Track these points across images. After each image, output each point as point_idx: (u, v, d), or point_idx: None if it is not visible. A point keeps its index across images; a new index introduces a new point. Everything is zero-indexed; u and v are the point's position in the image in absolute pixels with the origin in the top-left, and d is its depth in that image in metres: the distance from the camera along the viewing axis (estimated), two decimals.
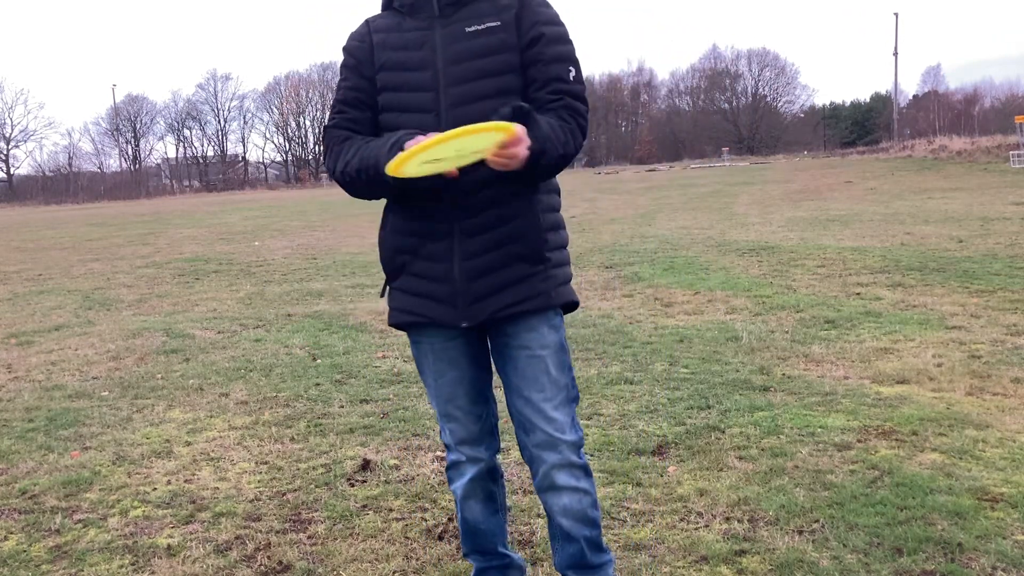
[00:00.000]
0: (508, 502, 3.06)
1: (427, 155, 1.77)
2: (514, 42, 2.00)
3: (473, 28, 2.00)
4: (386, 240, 2.14)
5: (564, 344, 2.13)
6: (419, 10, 2.04)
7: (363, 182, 1.99)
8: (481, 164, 1.88)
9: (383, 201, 2.15)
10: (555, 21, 2.04)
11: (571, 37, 2.07)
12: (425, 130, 1.91)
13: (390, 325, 2.19)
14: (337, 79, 2.18)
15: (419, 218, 2.06)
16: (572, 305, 2.15)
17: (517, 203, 2.02)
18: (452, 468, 2.28)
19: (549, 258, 2.07)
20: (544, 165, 1.91)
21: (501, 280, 2.03)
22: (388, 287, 2.17)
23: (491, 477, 2.28)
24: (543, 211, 2.07)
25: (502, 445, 2.37)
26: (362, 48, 2.10)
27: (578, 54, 2.08)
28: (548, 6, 2.06)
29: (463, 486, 2.25)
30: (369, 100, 2.09)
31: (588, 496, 2.16)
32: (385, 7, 2.13)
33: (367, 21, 2.14)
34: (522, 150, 1.80)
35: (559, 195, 2.17)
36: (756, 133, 72.65)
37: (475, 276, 2.02)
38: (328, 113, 2.16)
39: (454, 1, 2.02)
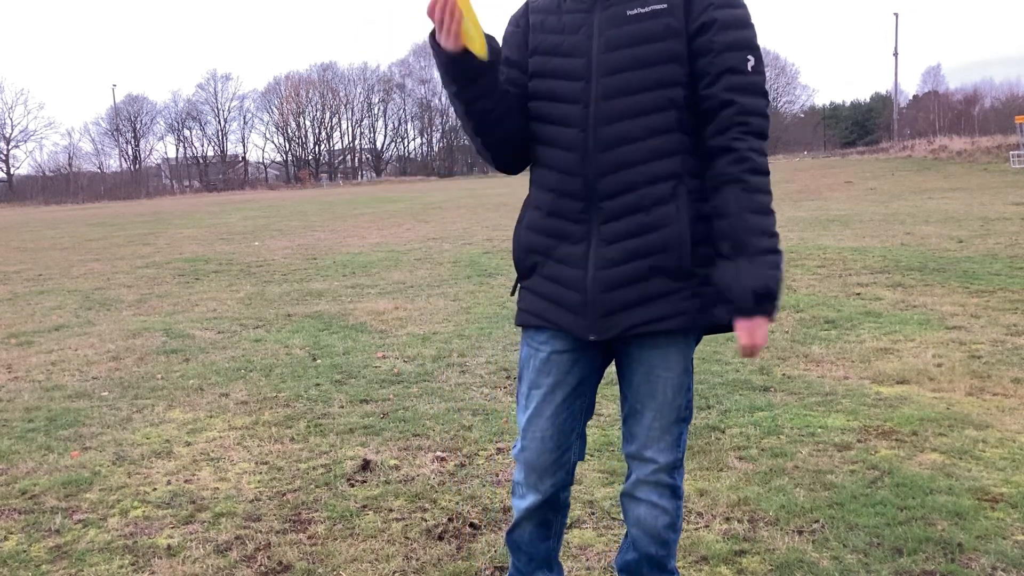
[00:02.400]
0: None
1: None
2: (680, 28, 1.80)
3: (635, 11, 1.82)
4: (520, 237, 2.00)
5: (689, 367, 1.96)
6: None
7: (460, 112, 1.88)
8: (621, 167, 1.82)
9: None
10: (732, 2, 1.81)
11: (752, 20, 1.83)
12: (569, 123, 1.86)
13: (516, 324, 2.05)
14: None
15: (557, 216, 1.91)
16: (722, 328, 1.93)
17: (665, 209, 1.83)
18: (515, 486, 2.12)
19: (697, 274, 1.87)
20: (778, 266, 1.79)
21: (638, 294, 1.86)
22: (519, 285, 2.04)
23: (552, 507, 2.12)
24: (698, 220, 1.86)
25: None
26: (516, 34, 1.98)
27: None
28: None
29: (519, 510, 2.11)
30: (519, 90, 1.95)
31: (666, 516, 2.03)
32: None
33: (527, 2, 2.00)
34: (759, 335, 1.79)
35: None
36: None
37: (609, 287, 1.86)
38: None
39: None
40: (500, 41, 1.98)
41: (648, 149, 1.83)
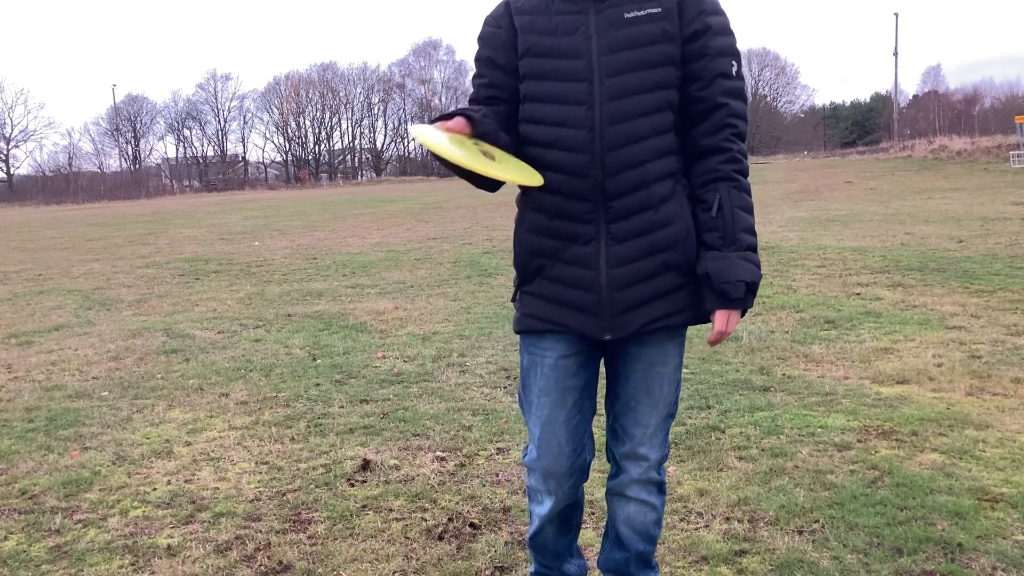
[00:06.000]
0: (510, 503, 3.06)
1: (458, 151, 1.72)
2: (675, 32, 1.85)
3: (632, 14, 1.85)
4: (523, 240, 1.97)
5: (681, 362, 2.03)
6: None
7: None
8: (630, 166, 1.84)
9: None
10: (719, 10, 1.90)
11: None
12: (575, 125, 1.85)
13: (517, 331, 2.02)
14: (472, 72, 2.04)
15: (564, 217, 1.90)
16: (704, 318, 1.97)
17: (670, 206, 1.89)
18: (531, 492, 2.12)
19: (695, 269, 1.93)
20: (759, 263, 1.90)
21: (651, 291, 1.89)
22: (519, 291, 2.01)
23: (571, 506, 2.14)
24: (691, 216, 1.93)
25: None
26: (498, 35, 1.95)
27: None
28: None
29: (539, 516, 2.11)
30: (505, 94, 1.95)
31: (654, 512, 2.11)
32: None
33: (507, 2, 1.97)
34: (733, 325, 1.89)
35: None
36: (756, 133, 72.51)
37: (624, 285, 1.88)
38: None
39: None
40: (478, 40, 2.00)
41: (652, 148, 1.87)
